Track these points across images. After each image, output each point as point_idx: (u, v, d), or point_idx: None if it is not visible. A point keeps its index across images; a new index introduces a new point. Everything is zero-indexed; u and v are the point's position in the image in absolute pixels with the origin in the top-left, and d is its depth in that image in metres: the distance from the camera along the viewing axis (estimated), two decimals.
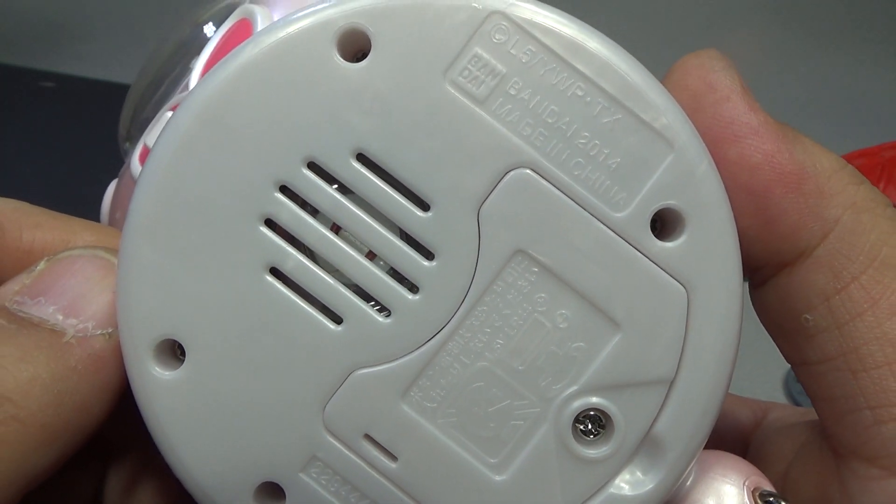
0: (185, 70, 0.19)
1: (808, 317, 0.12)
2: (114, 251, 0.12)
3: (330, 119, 0.11)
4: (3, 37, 0.59)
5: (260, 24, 0.17)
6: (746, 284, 0.13)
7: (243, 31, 0.17)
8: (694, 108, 0.12)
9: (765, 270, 0.13)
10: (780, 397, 0.39)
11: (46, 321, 0.12)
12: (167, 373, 0.12)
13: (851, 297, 0.12)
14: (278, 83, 0.11)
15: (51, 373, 0.11)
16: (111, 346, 0.12)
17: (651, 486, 0.12)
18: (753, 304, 0.14)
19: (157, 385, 0.12)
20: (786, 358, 0.13)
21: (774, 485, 0.13)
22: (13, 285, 0.12)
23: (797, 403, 0.38)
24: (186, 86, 0.18)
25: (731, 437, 0.17)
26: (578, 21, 0.12)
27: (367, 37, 0.11)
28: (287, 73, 0.11)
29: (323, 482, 0.12)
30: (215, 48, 0.17)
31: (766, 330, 0.14)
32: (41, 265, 0.12)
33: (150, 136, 0.18)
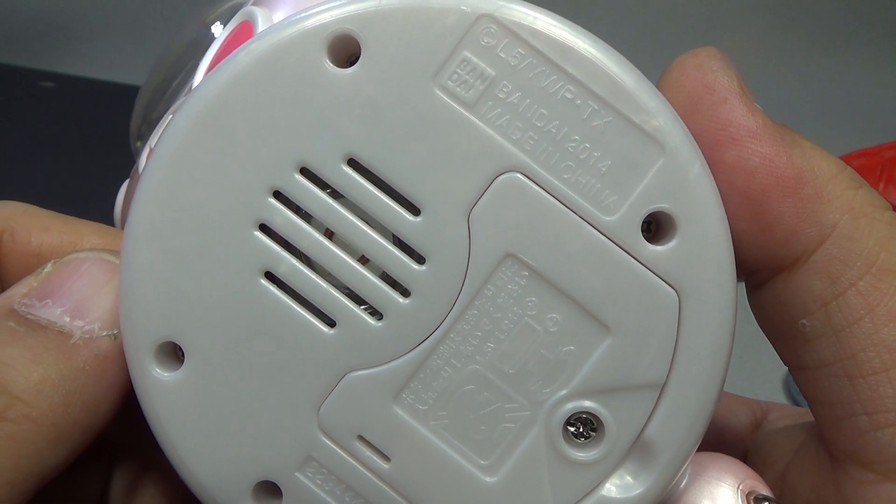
0: (194, 69, 0.18)
1: (804, 322, 0.11)
2: (119, 253, 0.12)
3: (321, 125, 0.11)
4: (3, 37, 0.58)
5: (260, 26, 0.17)
6: (743, 287, 0.12)
7: (245, 33, 0.17)
8: (691, 110, 0.11)
9: (761, 274, 0.12)
10: (780, 398, 0.38)
11: (54, 323, 0.12)
12: (167, 374, 0.11)
13: (848, 303, 0.11)
14: (270, 90, 0.11)
15: (60, 373, 0.11)
16: (117, 346, 0.12)
17: (641, 489, 0.11)
18: (751, 306, 0.13)
19: (157, 386, 0.11)
20: (783, 361, 0.13)
21: (772, 486, 0.12)
22: (21, 287, 0.12)
23: (797, 404, 0.37)
24: (191, 88, 0.18)
25: (731, 438, 0.16)
26: (569, 23, 0.11)
27: (357, 42, 0.11)
28: (279, 79, 0.11)
29: (318, 482, 0.12)
30: (218, 50, 0.17)
31: (764, 332, 0.13)
32: (48, 267, 0.12)
33: (155, 140, 0.18)
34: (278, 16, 0.17)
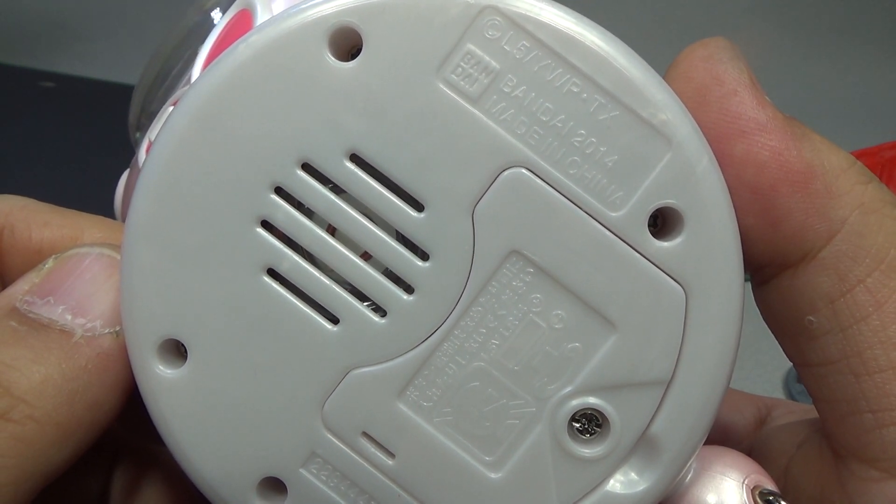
0: (193, 58, 0.18)
1: (811, 318, 0.11)
2: (121, 248, 0.12)
3: (323, 120, 0.11)
4: (3, 37, 0.58)
5: (259, 15, 0.16)
6: (748, 282, 0.12)
7: (244, 22, 0.16)
8: (699, 102, 0.11)
9: (768, 270, 0.12)
10: (779, 397, 0.38)
11: (56, 322, 0.11)
12: (170, 371, 0.11)
13: (856, 300, 0.11)
14: (271, 84, 0.11)
15: (62, 373, 0.11)
16: (119, 344, 0.12)
17: (646, 486, 0.11)
18: (756, 301, 0.13)
19: (161, 383, 0.11)
20: (788, 357, 0.12)
21: (776, 481, 0.12)
22: (23, 284, 0.12)
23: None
24: (189, 79, 0.18)
25: (736, 434, 0.16)
26: (576, 14, 0.11)
27: (358, 34, 0.11)
28: (279, 73, 0.11)
29: (323, 478, 0.11)
30: (217, 40, 0.17)
31: (769, 328, 0.13)
32: (49, 263, 0.12)
33: (154, 132, 0.17)
34: (277, 4, 0.16)
